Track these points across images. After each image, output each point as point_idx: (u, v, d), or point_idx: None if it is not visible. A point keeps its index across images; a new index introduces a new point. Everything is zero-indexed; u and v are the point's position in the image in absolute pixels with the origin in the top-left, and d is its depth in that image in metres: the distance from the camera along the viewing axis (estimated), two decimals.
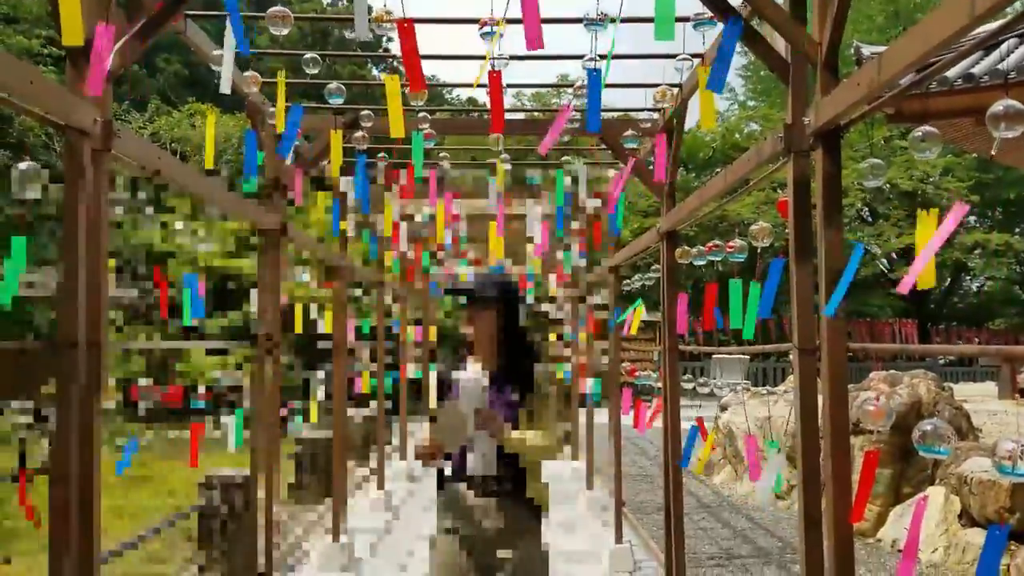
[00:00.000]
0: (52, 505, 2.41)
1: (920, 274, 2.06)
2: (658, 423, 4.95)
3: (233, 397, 12.02)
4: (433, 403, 3.35)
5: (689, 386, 4.83)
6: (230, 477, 5.57)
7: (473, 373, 3.28)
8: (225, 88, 3.35)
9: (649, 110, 5.16)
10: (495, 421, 3.07)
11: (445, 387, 3.33)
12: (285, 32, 3.48)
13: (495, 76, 3.12)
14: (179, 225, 16.83)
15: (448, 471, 3.29)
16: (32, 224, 17.27)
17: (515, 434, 3.13)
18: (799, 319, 2.72)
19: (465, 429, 3.08)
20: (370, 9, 3.12)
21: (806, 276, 2.73)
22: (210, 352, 14.98)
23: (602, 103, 3.28)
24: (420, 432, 7.08)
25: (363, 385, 7.83)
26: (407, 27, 2.97)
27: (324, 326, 6.52)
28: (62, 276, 2.48)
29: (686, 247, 4.46)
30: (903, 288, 2.12)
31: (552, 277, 10.05)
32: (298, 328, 5.52)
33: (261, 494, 4.59)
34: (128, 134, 2.84)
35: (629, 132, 4.68)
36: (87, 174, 2.55)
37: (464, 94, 40.17)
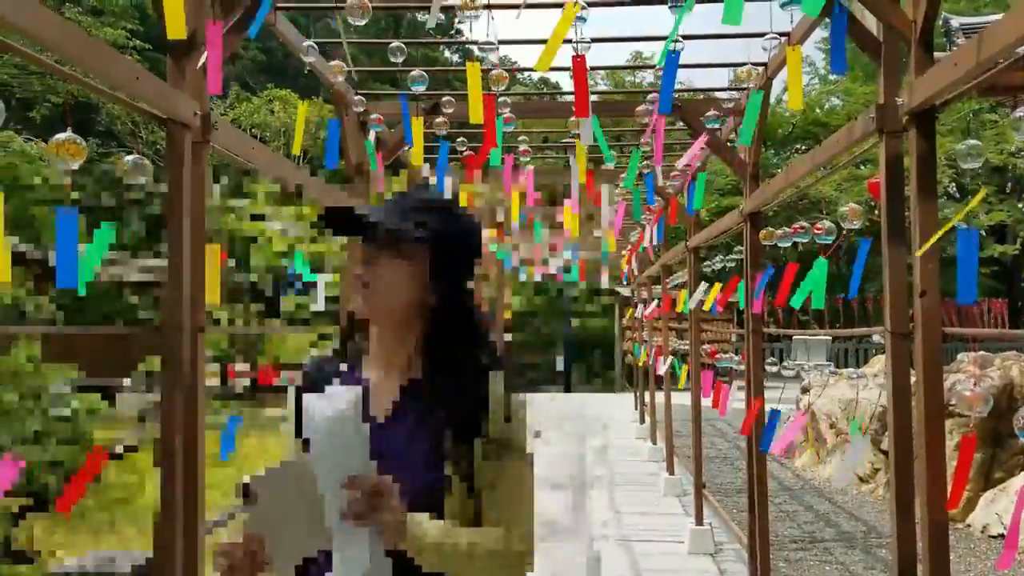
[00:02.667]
0: (161, 478, 2.54)
1: None
2: (740, 405, 4.91)
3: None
4: (292, 442, 1.71)
5: (773, 369, 4.78)
6: None
7: (350, 392, 1.48)
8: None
9: (731, 89, 5.09)
10: (386, 502, 1.43)
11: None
12: (363, 23, 3.55)
13: (579, 60, 3.13)
14: (268, 210, 17.31)
15: None
16: (122, 210, 17.94)
17: (436, 527, 1.49)
18: (892, 302, 2.67)
19: (318, 516, 1.46)
20: None
21: (899, 258, 2.68)
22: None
23: (684, 83, 3.26)
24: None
25: None
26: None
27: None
28: (168, 263, 2.59)
29: (770, 228, 4.41)
30: None
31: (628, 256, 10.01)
32: None
33: None
34: (224, 125, 2.94)
35: (711, 112, 4.63)
36: (187, 165, 2.66)
37: (536, 75, 40.02)
